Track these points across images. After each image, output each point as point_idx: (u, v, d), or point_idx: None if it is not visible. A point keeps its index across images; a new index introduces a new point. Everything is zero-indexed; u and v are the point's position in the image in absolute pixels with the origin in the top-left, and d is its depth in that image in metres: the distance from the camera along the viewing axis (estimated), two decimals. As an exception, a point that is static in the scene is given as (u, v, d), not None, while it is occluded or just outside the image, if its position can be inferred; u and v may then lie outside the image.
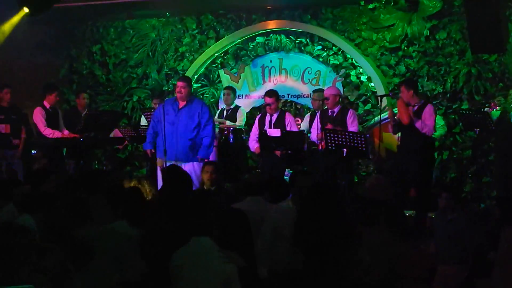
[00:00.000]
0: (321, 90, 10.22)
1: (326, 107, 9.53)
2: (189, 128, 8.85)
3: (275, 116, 9.86)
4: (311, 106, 11.26)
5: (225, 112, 10.90)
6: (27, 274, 3.96)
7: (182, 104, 8.93)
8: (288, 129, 9.69)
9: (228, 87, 11.25)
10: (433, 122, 8.74)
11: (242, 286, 4.44)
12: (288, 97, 11.58)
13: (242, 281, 4.47)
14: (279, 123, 9.80)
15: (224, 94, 11.06)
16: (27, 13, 9.81)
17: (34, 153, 10.79)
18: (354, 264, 5.63)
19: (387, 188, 6.64)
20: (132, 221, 5.38)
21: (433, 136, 9.35)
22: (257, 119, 10.12)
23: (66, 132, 10.27)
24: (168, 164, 8.76)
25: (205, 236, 4.63)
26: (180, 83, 9.02)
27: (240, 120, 10.71)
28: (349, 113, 9.44)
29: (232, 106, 10.88)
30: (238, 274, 4.45)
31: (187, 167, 8.78)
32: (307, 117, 10.29)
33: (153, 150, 9.15)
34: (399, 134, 9.09)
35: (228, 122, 10.67)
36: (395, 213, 6.45)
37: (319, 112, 9.53)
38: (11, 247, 4.07)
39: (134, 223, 5.35)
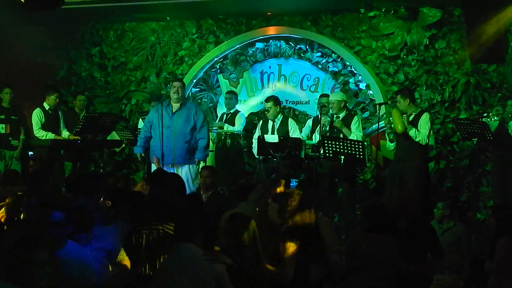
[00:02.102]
0: (328, 95, 10.25)
1: (331, 112, 9.58)
2: (185, 131, 8.85)
3: (277, 122, 9.90)
4: (309, 113, 11.28)
5: (225, 116, 10.92)
6: None
7: (176, 107, 8.94)
8: (291, 135, 9.70)
9: (231, 92, 11.28)
10: (427, 131, 8.75)
11: (232, 282, 4.49)
12: (287, 103, 11.56)
13: (232, 278, 4.51)
14: (282, 129, 9.82)
15: (226, 98, 11.05)
16: (22, 3, 9.67)
17: (31, 154, 10.79)
18: (328, 268, 5.65)
19: (416, 201, 6.67)
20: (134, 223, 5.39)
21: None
22: (259, 124, 10.14)
23: (66, 134, 10.31)
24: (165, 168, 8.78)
25: (186, 243, 4.63)
26: (177, 84, 9.04)
27: (238, 124, 10.71)
28: (354, 119, 9.49)
29: (232, 111, 10.89)
30: (227, 272, 4.49)
31: (184, 170, 8.78)
32: (309, 123, 10.29)
33: (143, 154, 9.18)
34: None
35: (226, 127, 10.68)
36: (422, 225, 6.45)
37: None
38: None
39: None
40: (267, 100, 10.08)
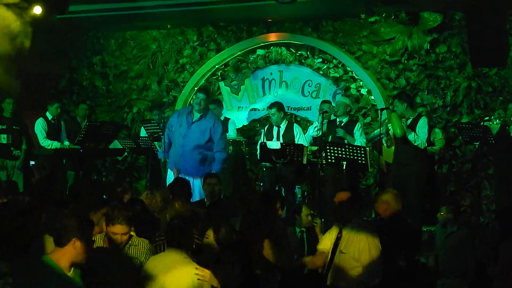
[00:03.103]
0: (329, 102, 10.23)
1: (334, 117, 9.56)
2: (200, 143, 8.69)
3: (282, 127, 9.84)
4: (311, 119, 11.27)
5: None
6: None
7: (196, 116, 8.81)
8: (297, 140, 9.66)
9: (215, 100, 11.06)
10: (426, 135, 8.74)
11: None
12: (288, 109, 11.54)
13: None
14: (287, 135, 9.77)
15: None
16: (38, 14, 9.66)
17: (33, 164, 10.78)
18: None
19: (397, 204, 6.65)
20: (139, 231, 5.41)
21: (432, 149, 9.35)
22: (264, 131, 10.12)
23: (67, 144, 10.31)
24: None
25: (179, 248, 4.74)
26: (201, 95, 8.87)
27: (231, 131, 10.67)
28: (357, 125, 9.46)
29: (221, 118, 10.81)
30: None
31: (197, 182, 8.64)
32: (311, 129, 10.27)
33: (167, 159, 9.04)
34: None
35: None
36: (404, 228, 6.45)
37: (327, 121, 9.54)
38: None
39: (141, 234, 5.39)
40: (271, 106, 9.99)
